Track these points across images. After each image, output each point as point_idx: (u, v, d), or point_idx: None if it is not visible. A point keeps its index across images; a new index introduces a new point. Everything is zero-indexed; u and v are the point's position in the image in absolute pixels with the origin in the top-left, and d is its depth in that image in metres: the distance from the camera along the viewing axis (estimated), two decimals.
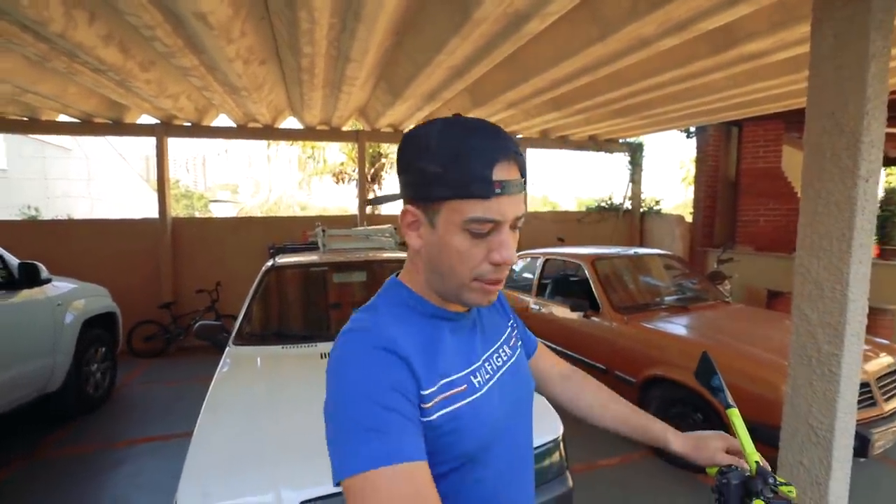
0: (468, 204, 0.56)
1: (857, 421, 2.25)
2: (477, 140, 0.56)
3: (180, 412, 3.60)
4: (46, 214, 10.86)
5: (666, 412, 2.78)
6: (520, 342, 0.82)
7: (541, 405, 1.78)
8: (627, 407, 0.86)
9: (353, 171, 11.98)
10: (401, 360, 0.56)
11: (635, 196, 7.51)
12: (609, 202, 7.65)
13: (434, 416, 0.57)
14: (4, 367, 2.80)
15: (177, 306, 5.49)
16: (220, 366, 2.13)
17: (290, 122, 5.88)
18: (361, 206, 6.41)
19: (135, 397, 4.09)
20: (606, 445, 3.00)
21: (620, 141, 7.35)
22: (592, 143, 7.12)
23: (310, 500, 1.32)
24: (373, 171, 11.77)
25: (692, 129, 6.76)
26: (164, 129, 5.39)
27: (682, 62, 3.43)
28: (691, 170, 7.11)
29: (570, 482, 1.68)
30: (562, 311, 3.83)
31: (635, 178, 7.47)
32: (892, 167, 8.56)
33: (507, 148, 0.57)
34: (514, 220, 0.59)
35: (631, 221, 7.53)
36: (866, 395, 2.38)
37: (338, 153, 12.65)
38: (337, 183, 13.00)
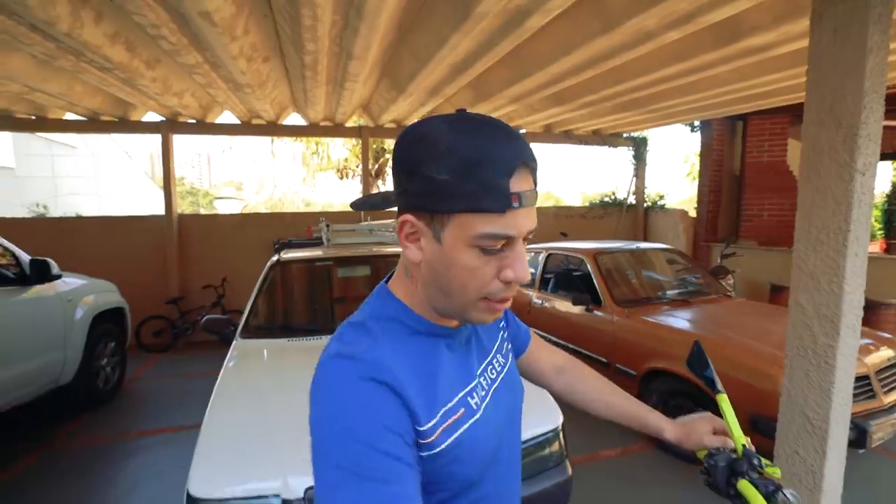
0: (481, 218, 0.50)
1: (857, 413, 2.28)
2: (491, 146, 0.49)
3: (189, 405, 3.67)
4: (54, 212, 10.99)
5: (666, 404, 2.81)
6: (510, 346, 0.79)
7: (541, 396, 1.82)
8: (622, 397, 0.87)
9: (357, 166, 12.01)
10: (395, 395, 0.50)
11: (639, 191, 7.50)
12: (613, 197, 7.64)
13: (437, 449, 0.54)
14: (20, 359, 2.88)
15: (184, 302, 5.56)
16: (227, 358, 2.18)
17: (294, 119, 5.92)
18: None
19: (144, 391, 4.16)
20: (608, 437, 3.04)
21: (624, 135, 7.33)
22: (596, 138, 7.11)
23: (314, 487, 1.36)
24: (376, 166, 11.81)
25: (697, 123, 6.73)
26: (170, 126, 5.45)
27: (686, 56, 3.42)
28: (696, 164, 7.08)
29: (570, 470, 1.71)
30: (564, 305, 3.85)
31: (639, 173, 7.46)
32: None
33: (523, 154, 0.51)
34: (528, 234, 0.54)
35: (635, 216, 7.53)
36: (866, 388, 2.40)
37: (341, 149, 12.70)
38: (341, 179, 13.06)
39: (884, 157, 5.34)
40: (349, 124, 6.10)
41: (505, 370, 0.72)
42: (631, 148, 7.43)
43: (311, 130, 6.32)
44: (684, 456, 2.68)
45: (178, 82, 4.11)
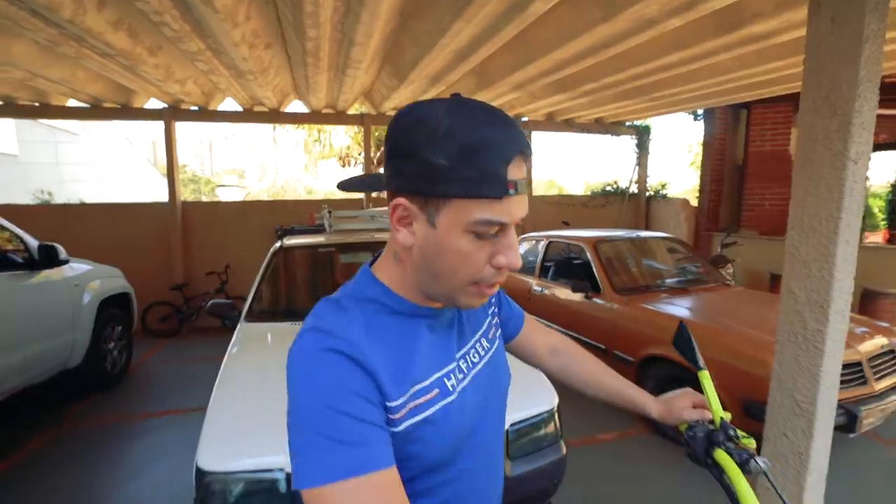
0: (478, 204, 0.51)
1: (848, 398, 2.33)
2: (490, 133, 0.50)
3: (194, 388, 3.76)
4: (58, 198, 11.03)
5: (662, 390, 2.84)
6: (499, 331, 0.79)
7: (537, 378, 1.87)
8: (612, 377, 0.91)
9: (359, 154, 12.00)
10: (362, 369, 0.52)
11: (641, 180, 7.49)
12: (615, 186, 7.63)
13: (402, 427, 0.54)
14: (31, 341, 2.95)
15: (188, 288, 5.64)
16: (232, 340, 2.24)
17: (296, 106, 5.91)
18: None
19: (151, 374, 4.25)
20: (605, 421, 3.11)
21: (627, 124, 7.30)
22: (599, 126, 7.08)
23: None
24: (378, 154, 11.77)
25: (700, 112, 6.69)
26: (172, 114, 5.46)
27: (688, 43, 3.41)
28: (700, 154, 7.05)
29: (564, 449, 1.77)
30: (564, 293, 3.90)
31: (641, 162, 7.44)
32: None
33: (520, 142, 0.52)
34: (520, 220, 0.55)
35: (637, 205, 7.53)
36: (858, 374, 2.45)
37: (343, 137, 12.65)
38: (343, 166, 13.04)
39: (887, 146, 5.31)
40: (351, 112, 6.09)
41: (489, 354, 0.72)
42: (634, 136, 7.40)
43: (313, 118, 6.32)
44: (676, 439, 2.74)
45: (181, 69, 4.11)
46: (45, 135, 12.08)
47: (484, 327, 0.74)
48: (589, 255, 3.75)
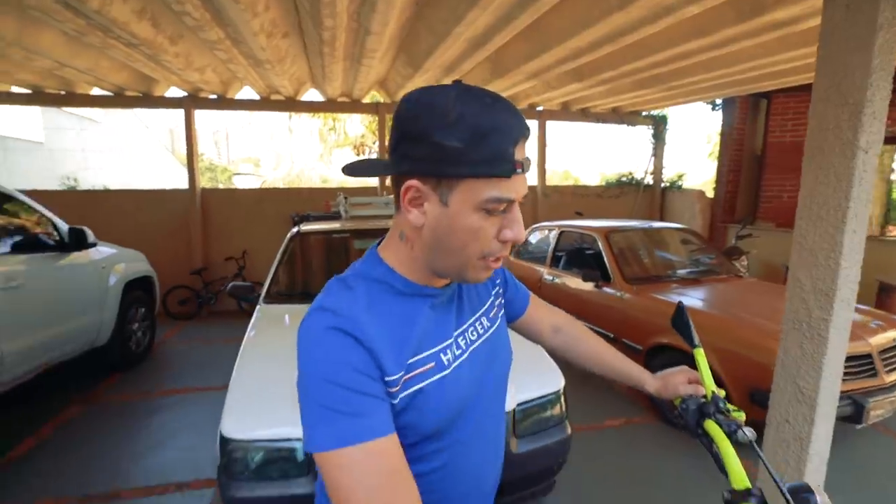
0: (488, 183, 0.55)
1: (857, 389, 2.34)
2: (499, 117, 0.54)
3: (214, 367, 3.91)
4: (83, 185, 11.36)
5: None
6: (502, 311, 0.83)
7: (545, 361, 1.93)
8: (612, 354, 0.96)
9: (374, 143, 12.05)
10: (363, 347, 0.56)
11: (657, 171, 7.40)
12: (630, 177, 7.56)
13: (399, 398, 0.58)
14: (64, 319, 3.12)
15: (207, 272, 5.80)
16: (252, 320, 2.34)
17: (312, 95, 5.98)
18: (381, 177, 6.52)
19: (172, 354, 4.43)
20: (614, 408, 3.16)
21: (644, 114, 7.20)
22: (615, 116, 7.00)
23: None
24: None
25: (718, 101, 6.55)
26: (192, 102, 5.58)
27: (708, 30, 3.35)
28: (717, 144, 6.93)
29: (569, 430, 1.83)
30: (574, 282, 3.92)
31: (658, 153, 7.34)
32: None
33: (523, 126, 0.57)
34: (523, 197, 0.60)
35: (651, 196, 7.46)
36: (868, 366, 2.44)
37: (358, 125, 12.72)
38: (357, 155, 13.12)
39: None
40: (366, 100, 6.13)
41: (489, 332, 0.75)
42: (650, 126, 7.30)
43: (329, 106, 6.38)
44: (682, 426, 2.78)
45: (200, 58, 4.20)
46: (70, 122, 12.39)
47: (486, 307, 0.78)
48: (600, 245, 3.77)
